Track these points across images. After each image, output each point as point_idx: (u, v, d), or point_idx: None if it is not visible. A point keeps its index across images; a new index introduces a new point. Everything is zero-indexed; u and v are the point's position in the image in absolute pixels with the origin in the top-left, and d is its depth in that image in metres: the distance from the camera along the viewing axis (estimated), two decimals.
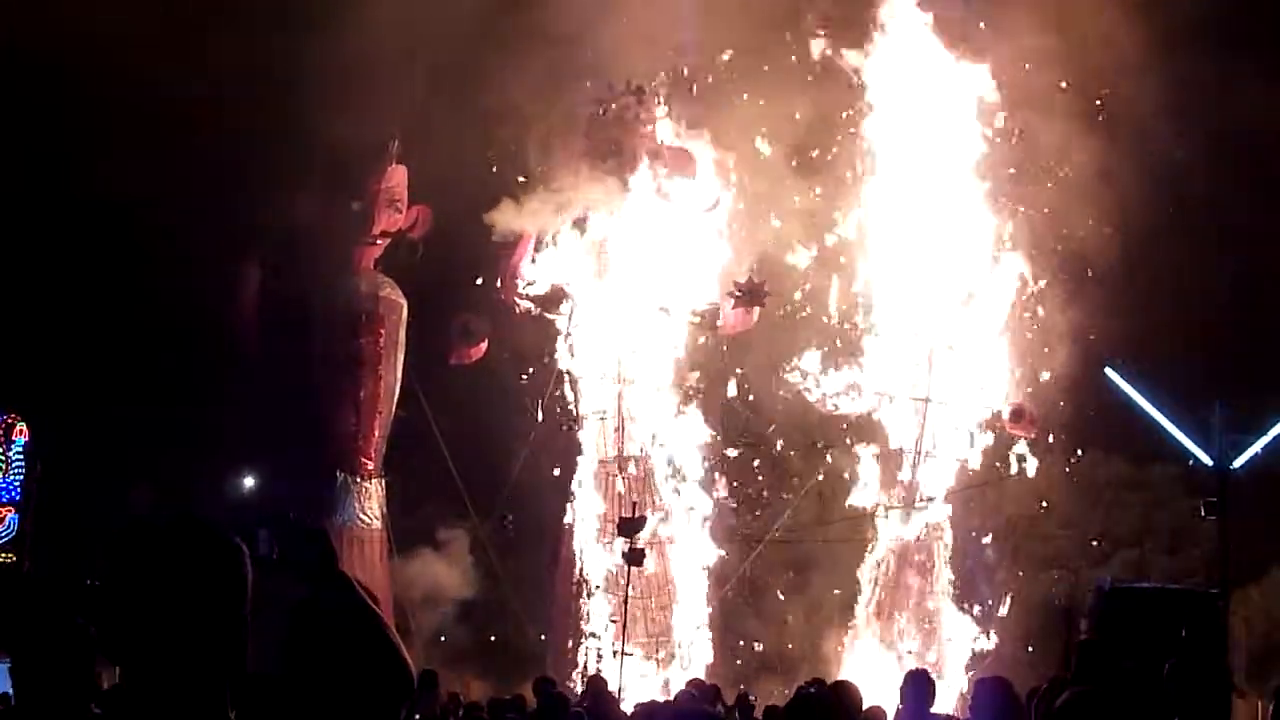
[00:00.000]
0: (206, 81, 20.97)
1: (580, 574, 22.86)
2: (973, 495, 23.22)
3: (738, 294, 22.48)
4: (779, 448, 24.37)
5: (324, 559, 3.07)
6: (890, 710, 9.47)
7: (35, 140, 22.51)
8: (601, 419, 23.18)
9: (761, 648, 23.58)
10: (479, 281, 23.41)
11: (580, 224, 23.39)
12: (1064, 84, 22.36)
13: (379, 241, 23.28)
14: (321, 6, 20.93)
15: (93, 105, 21.73)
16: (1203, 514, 19.51)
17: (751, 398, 23.93)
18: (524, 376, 23.55)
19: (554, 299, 23.02)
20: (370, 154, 22.88)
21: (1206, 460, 19.12)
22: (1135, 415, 20.06)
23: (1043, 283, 23.02)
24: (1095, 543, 23.18)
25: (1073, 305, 22.58)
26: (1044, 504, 23.37)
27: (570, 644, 22.67)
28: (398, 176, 23.18)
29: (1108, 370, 20.53)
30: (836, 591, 23.29)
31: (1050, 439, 23.39)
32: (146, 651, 2.80)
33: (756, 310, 22.66)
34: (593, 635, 22.38)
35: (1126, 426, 21.49)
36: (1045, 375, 22.98)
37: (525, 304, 23.16)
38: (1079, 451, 24.20)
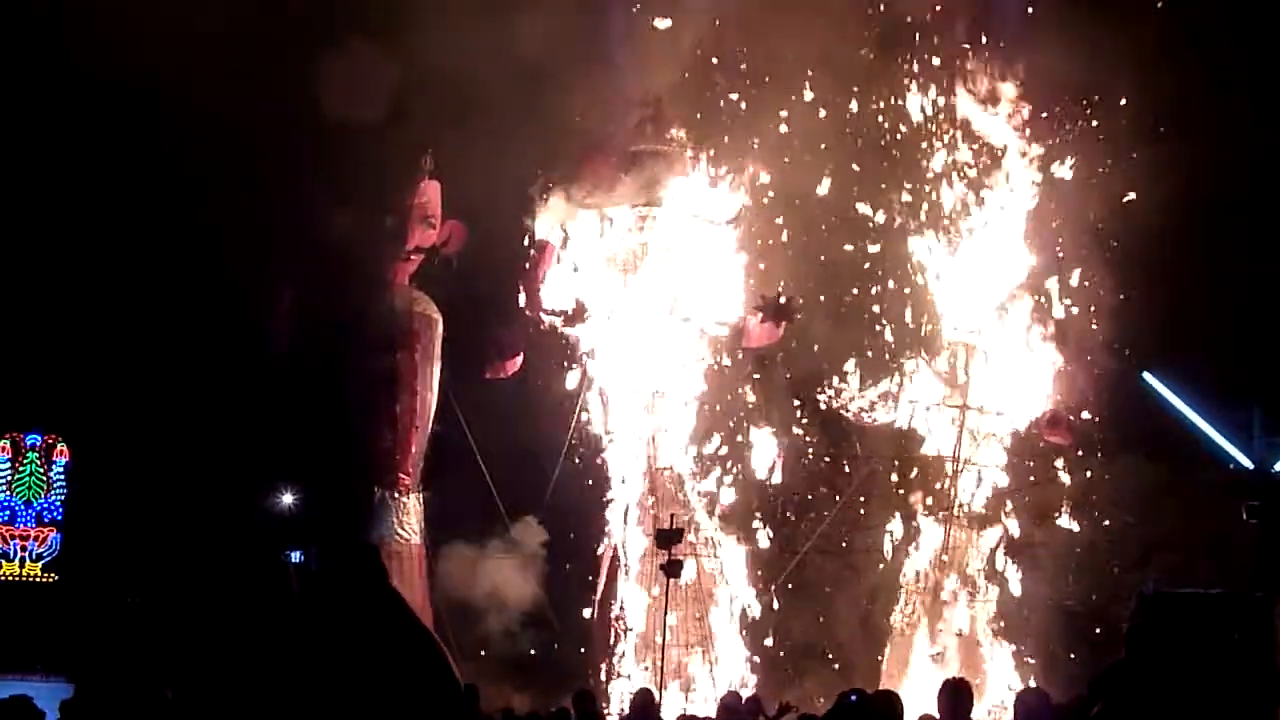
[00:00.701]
0: (237, 96, 21.09)
1: (618, 602, 22.76)
2: (1011, 502, 23.12)
3: (765, 309, 22.42)
4: (849, 460, 24.22)
5: (374, 576, 3.07)
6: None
7: (68, 157, 22.69)
8: (633, 435, 23.19)
9: (801, 656, 23.49)
10: (519, 301, 23.36)
11: (606, 235, 23.41)
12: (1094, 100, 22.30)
13: (413, 257, 23.38)
14: (360, 24, 21.09)
15: (126, 123, 21.90)
16: (1245, 517, 19.38)
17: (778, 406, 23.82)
18: (574, 431, 23.32)
19: (578, 313, 23.00)
20: (403, 169, 22.99)
21: (1247, 463, 19.00)
22: (1174, 419, 19.96)
23: (1085, 283, 22.91)
24: (1151, 550, 23.04)
25: (1109, 310, 22.46)
26: (1098, 512, 23.20)
27: (605, 671, 22.58)
28: (431, 192, 23.28)
29: (1145, 375, 20.44)
30: (877, 600, 23.22)
31: (1088, 445, 23.25)
32: (199, 667, 2.85)
33: (783, 325, 22.60)
34: (626, 676, 22.24)
35: (1165, 431, 21.36)
36: (1082, 382, 22.85)
37: (550, 319, 23.15)
38: (1117, 457, 24.04)
